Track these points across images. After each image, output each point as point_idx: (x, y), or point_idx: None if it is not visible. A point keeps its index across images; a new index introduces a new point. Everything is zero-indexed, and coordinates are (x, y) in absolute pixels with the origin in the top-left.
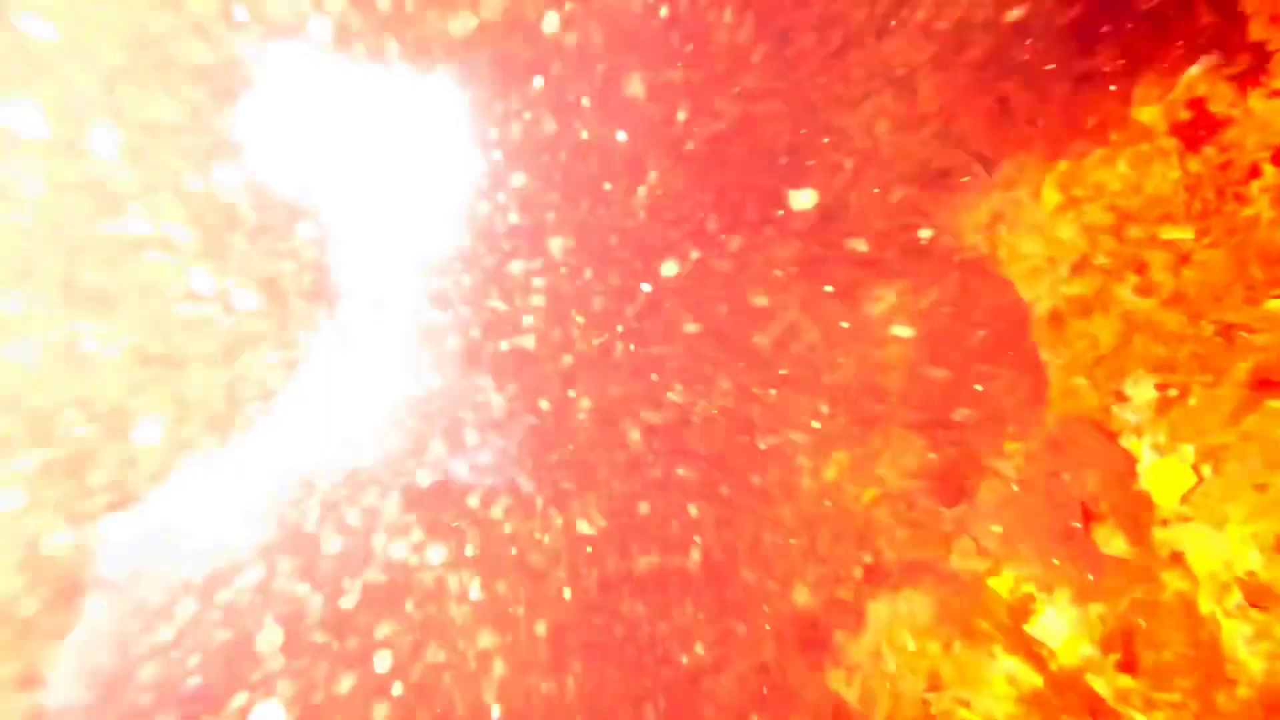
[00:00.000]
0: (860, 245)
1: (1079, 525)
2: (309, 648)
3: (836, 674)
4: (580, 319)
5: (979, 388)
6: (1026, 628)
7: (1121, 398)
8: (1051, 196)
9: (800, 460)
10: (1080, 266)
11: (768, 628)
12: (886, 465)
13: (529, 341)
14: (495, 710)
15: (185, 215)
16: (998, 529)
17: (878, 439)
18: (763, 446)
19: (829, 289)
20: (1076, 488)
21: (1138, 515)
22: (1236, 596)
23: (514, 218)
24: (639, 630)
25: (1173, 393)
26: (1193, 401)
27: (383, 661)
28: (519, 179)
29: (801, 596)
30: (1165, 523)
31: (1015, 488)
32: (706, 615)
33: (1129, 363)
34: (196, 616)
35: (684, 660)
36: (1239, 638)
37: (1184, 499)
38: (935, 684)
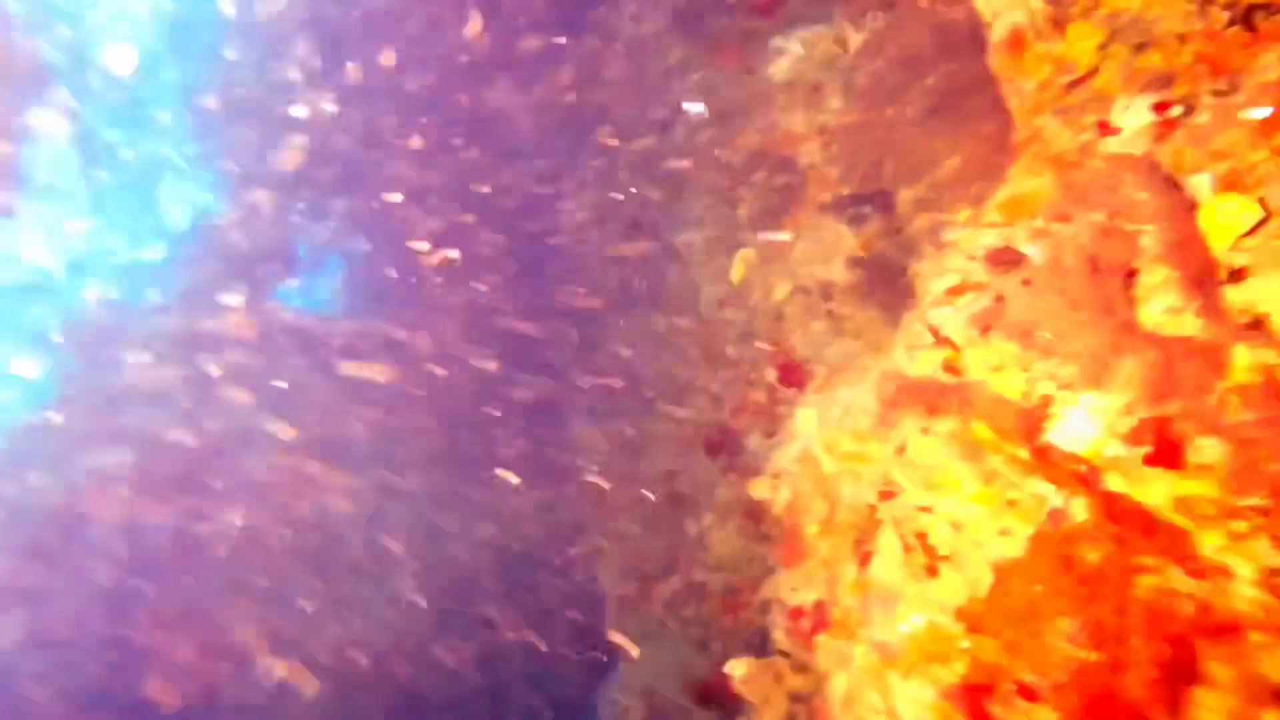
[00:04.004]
0: None
1: (1115, 296)
2: None
3: (760, 482)
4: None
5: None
6: (1047, 436)
7: (1108, 130)
8: None
9: (697, 261)
10: None
11: (670, 432)
12: (801, 257)
13: None
14: None
15: None
16: (961, 314)
17: (789, 227)
18: (652, 250)
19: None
20: (1085, 243)
21: (1199, 271)
22: None
23: None
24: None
25: (1175, 111)
26: (1203, 118)
27: None
28: None
29: (703, 402)
30: (1232, 277)
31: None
32: (605, 427)
33: (1113, 83)
34: None
35: (589, 475)
36: None
37: (1237, 244)
38: (889, 491)
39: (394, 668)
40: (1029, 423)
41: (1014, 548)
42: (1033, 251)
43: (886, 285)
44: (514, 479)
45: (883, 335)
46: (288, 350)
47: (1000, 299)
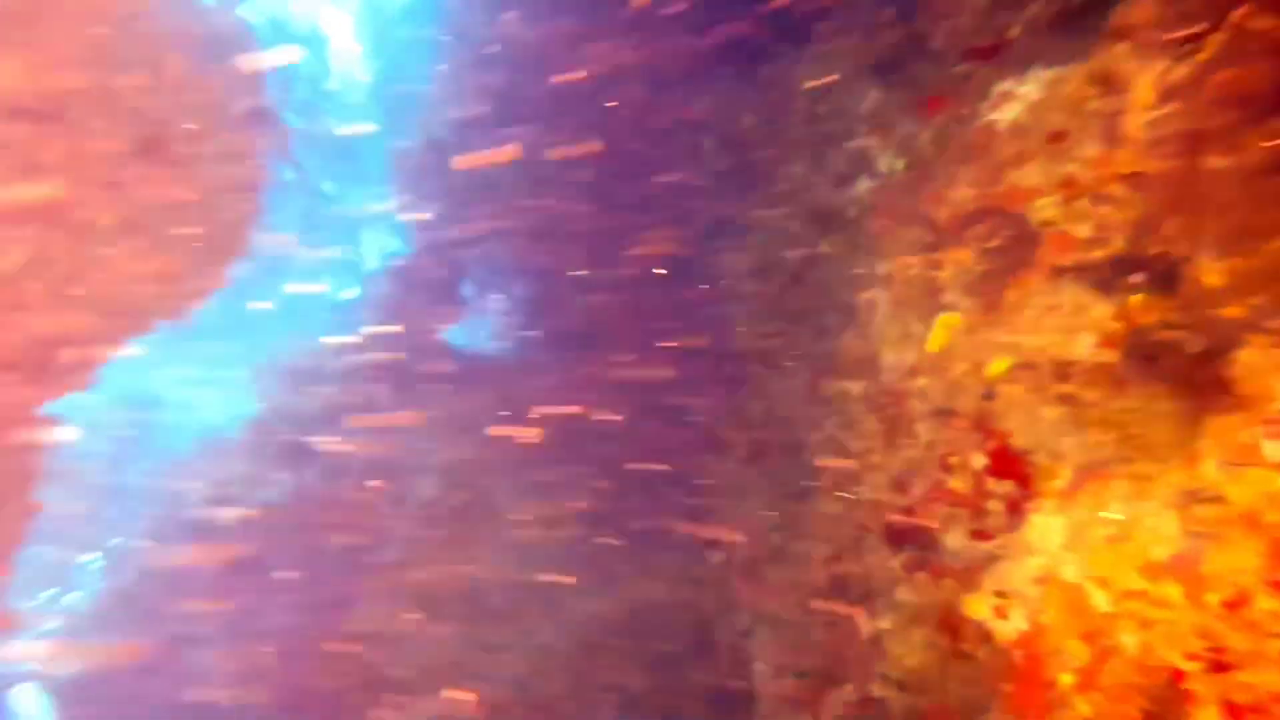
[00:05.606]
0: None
1: None
2: None
3: (979, 599)
4: None
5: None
6: None
7: None
8: None
9: (881, 322)
10: None
11: (837, 511)
12: (1027, 327)
13: None
14: None
15: None
16: None
17: (1011, 292)
18: (821, 303)
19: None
20: None
21: None
22: None
23: None
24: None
25: None
26: None
27: None
28: None
29: (881, 481)
30: None
31: None
32: (759, 494)
33: None
34: None
35: (740, 544)
36: None
37: None
38: (1216, 660)
39: None
40: None
41: None
42: None
43: (1161, 371)
44: (654, 543)
45: (1154, 434)
46: (444, 388)
47: None
